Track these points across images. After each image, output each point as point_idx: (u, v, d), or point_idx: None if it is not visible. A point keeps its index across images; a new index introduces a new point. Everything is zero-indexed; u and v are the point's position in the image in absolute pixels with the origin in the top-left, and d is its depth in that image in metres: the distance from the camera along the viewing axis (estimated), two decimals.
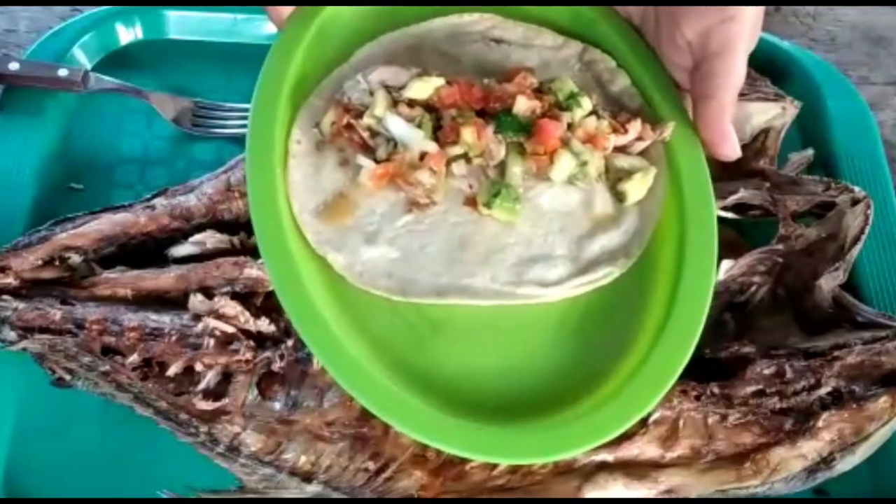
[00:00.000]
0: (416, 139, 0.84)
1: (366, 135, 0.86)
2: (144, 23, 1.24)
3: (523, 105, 0.85)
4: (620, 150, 0.88)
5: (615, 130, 0.87)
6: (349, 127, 0.86)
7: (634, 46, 0.94)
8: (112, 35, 1.23)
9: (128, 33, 1.23)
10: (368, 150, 0.86)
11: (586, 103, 0.87)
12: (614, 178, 0.87)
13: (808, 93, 1.14)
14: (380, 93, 0.86)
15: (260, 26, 1.23)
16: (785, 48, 1.22)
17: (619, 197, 0.87)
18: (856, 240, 0.95)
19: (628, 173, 0.87)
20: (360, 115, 0.86)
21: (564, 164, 0.84)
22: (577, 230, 0.85)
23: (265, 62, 0.91)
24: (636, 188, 0.86)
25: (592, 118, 0.87)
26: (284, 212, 0.84)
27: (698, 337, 0.79)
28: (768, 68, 1.11)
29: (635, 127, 0.87)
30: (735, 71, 0.85)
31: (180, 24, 1.24)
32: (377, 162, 0.85)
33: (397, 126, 0.84)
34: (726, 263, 0.94)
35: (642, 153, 0.89)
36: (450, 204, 0.85)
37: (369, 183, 0.85)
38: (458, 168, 0.85)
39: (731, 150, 0.87)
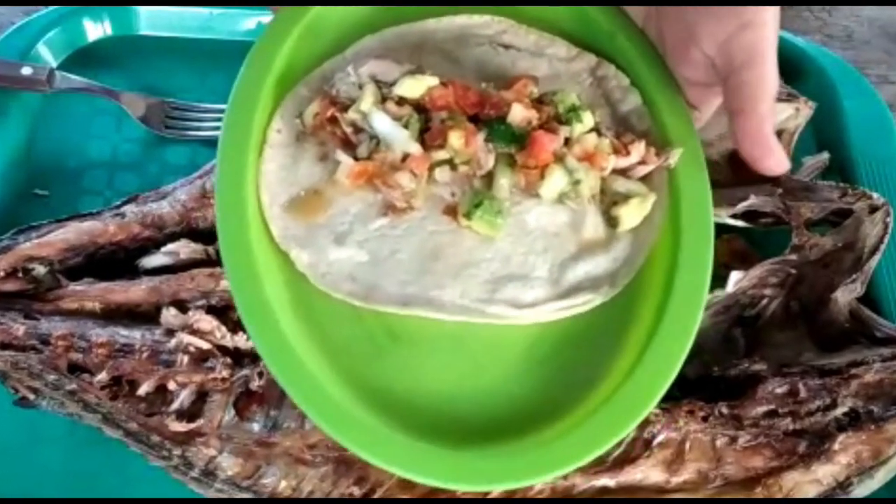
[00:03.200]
0: (400, 139, 0.84)
1: (349, 130, 0.86)
2: (114, 18, 1.24)
3: (519, 114, 0.85)
4: (621, 173, 0.88)
5: (616, 151, 0.87)
6: (333, 120, 0.86)
7: (652, 65, 0.93)
8: (79, 31, 1.23)
9: (96, 29, 1.24)
10: (350, 147, 0.86)
11: (587, 119, 0.86)
12: (609, 202, 0.87)
13: (823, 92, 1.15)
14: (368, 87, 0.86)
15: (238, 22, 1.24)
16: (798, 45, 1.23)
17: (611, 222, 0.86)
18: (874, 249, 0.95)
19: (625, 198, 0.86)
20: (346, 109, 0.86)
21: (555, 181, 0.84)
22: (561, 252, 0.85)
23: (254, 45, 0.91)
24: (631, 214, 0.86)
25: (593, 135, 0.86)
26: (252, 202, 0.84)
27: (672, 379, 0.79)
28: (781, 66, 1.10)
29: (638, 149, 0.87)
30: (767, 78, 0.84)
31: (152, 19, 1.25)
32: (357, 159, 0.85)
33: (382, 123, 0.84)
34: (736, 275, 0.94)
35: (643, 178, 0.88)
36: (429, 211, 0.85)
37: (346, 181, 0.85)
38: (442, 174, 0.85)
39: (777, 164, 0.86)
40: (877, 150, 1.13)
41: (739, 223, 0.98)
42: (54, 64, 1.20)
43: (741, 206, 0.97)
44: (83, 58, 1.23)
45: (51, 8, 1.24)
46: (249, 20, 1.22)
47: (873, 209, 0.96)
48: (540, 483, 0.87)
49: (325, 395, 0.77)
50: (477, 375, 0.82)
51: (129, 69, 1.21)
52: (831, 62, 1.21)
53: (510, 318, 0.82)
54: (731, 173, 1.00)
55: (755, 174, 1.00)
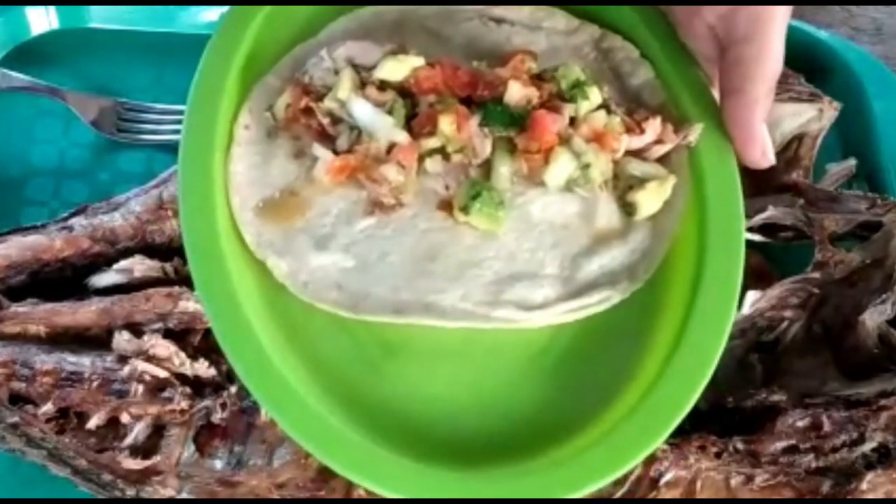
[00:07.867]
0: (384, 127, 0.83)
1: (326, 121, 0.86)
2: (60, 9, 1.24)
3: (516, 93, 0.85)
4: (636, 154, 0.87)
5: (629, 130, 0.86)
6: (307, 111, 0.86)
7: (663, 35, 0.93)
8: (22, 24, 1.23)
9: (41, 21, 1.24)
10: (328, 140, 0.86)
11: (594, 95, 0.86)
12: (624, 187, 0.87)
13: (849, 92, 1.15)
14: (346, 71, 0.86)
15: (197, 13, 1.24)
16: (822, 39, 1.23)
17: (627, 209, 0.86)
18: None
19: (641, 182, 0.86)
20: (321, 98, 0.86)
21: (562, 166, 0.84)
22: (573, 246, 0.85)
23: (215, 31, 0.91)
24: (649, 200, 0.86)
25: (601, 113, 0.86)
26: (221, 206, 0.84)
27: (704, 384, 0.79)
28: (803, 63, 1.12)
29: (654, 127, 0.87)
30: (768, 58, 0.84)
31: (103, 10, 1.25)
32: (336, 153, 0.85)
33: (363, 111, 0.84)
34: (752, 295, 0.95)
35: (661, 160, 0.88)
36: (420, 207, 0.85)
37: (325, 177, 0.85)
38: (433, 165, 0.85)
39: (761, 156, 0.87)
40: None
41: (757, 237, 0.99)
42: None
43: (759, 219, 0.98)
44: (26, 53, 1.23)
45: None
46: (211, 11, 1.22)
47: None
48: None
49: (316, 418, 0.77)
50: (483, 389, 0.82)
51: (77, 66, 1.22)
52: (858, 58, 1.21)
53: (518, 321, 0.82)
54: (748, 182, 1.00)
55: (774, 183, 1.01)
